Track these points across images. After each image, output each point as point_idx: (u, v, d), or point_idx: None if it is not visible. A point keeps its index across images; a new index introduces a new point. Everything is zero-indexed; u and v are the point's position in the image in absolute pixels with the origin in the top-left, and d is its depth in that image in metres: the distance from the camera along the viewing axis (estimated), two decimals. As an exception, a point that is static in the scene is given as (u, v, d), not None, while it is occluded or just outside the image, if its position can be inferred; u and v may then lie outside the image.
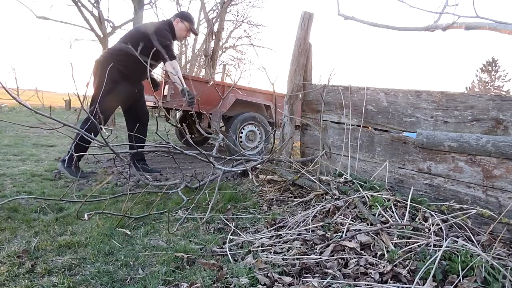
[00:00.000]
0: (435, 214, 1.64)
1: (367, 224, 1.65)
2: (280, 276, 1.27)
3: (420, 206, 1.72)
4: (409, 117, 2.16)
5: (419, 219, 1.63)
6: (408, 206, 1.72)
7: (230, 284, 1.24)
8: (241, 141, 4.27)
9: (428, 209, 1.71)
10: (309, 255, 1.43)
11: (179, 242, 1.68)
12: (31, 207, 2.06)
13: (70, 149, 2.81)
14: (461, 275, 1.19)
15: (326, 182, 2.24)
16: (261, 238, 1.69)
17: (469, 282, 1.17)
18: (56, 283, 1.26)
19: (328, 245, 1.47)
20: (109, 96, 2.79)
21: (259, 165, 2.76)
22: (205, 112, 3.90)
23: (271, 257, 1.43)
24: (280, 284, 1.22)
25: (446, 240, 1.39)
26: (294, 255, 1.44)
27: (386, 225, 1.54)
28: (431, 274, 1.19)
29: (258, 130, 4.39)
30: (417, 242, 1.41)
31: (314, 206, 1.99)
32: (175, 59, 2.97)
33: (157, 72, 3.91)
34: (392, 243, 1.44)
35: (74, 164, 2.81)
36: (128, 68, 2.95)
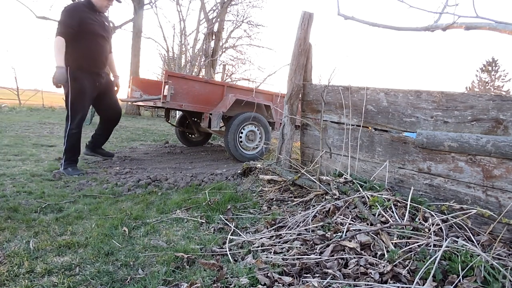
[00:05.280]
0: (435, 214, 1.63)
1: (367, 224, 1.65)
2: (280, 276, 1.27)
3: (420, 206, 1.71)
4: (409, 117, 2.16)
5: (419, 219, 1.63)
6: (408, 206, 1.72)
7: (230, 284, 1.24)
8: (241, 141, 4.27)
9: (428, 209, 1.71)
10: (309, 255, 1.43)
11: (179, 242, 1.68)
12: (31, 207, 2.06)
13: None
14: (461, 275, 1.19)
15: (326, 182, 2.24)
16: (261, 238, 1.69)
17: (469, 282, 1.17)
18: (56, 283, 1.26)
19: (328, 245, 1.47)
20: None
21: (259, 165, 2.76)
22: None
23: (271, 257, 1.43)
24: (280, 284, 1.22)
25: (446, 240, 1.39)
26: (294, 255, 1.44)
27: (386, 225, 1.54)
28: (431, 274, 1.19)
29: (258, 130, 4.39)
30: (417, 242, 1.41)
31: (314, 206, 1.99)
32: (59, 36, 2.94)
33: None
34: (392, 243, 1.44)
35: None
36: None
